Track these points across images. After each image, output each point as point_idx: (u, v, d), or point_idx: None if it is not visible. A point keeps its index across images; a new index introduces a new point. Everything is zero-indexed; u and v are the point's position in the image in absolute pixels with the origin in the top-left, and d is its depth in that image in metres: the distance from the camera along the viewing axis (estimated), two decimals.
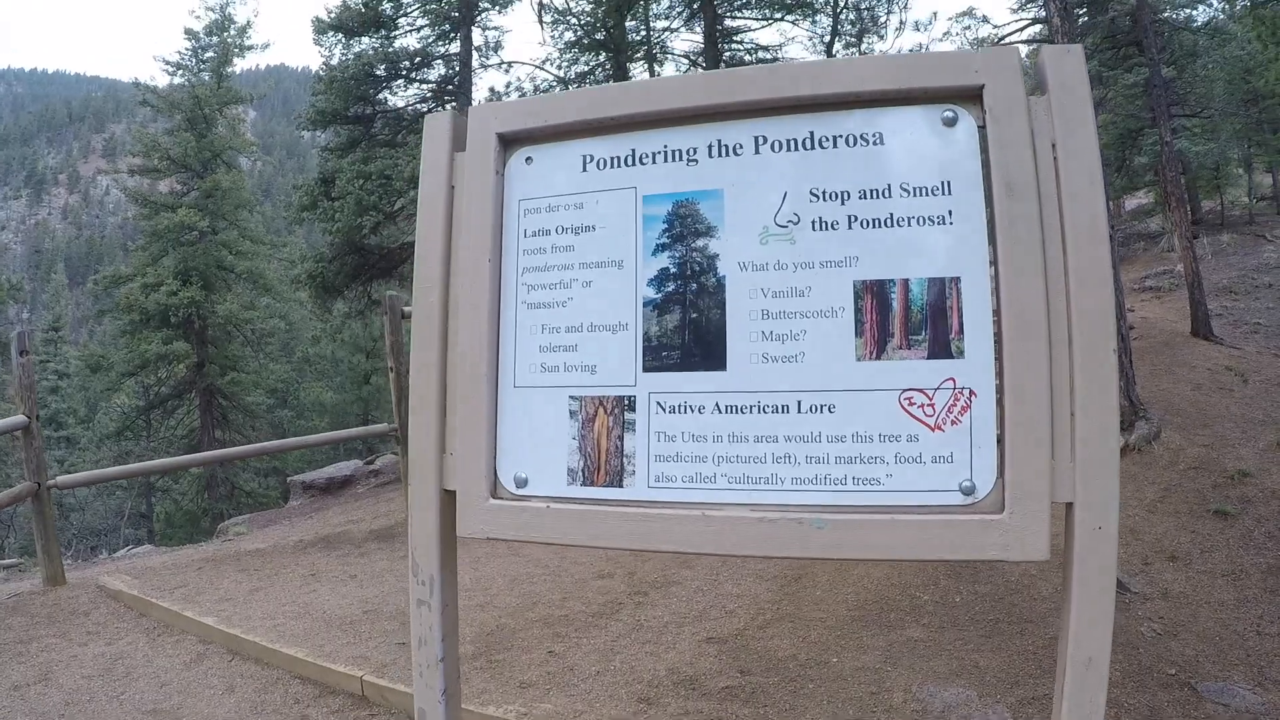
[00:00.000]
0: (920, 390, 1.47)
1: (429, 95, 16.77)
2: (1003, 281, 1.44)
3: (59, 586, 5.87)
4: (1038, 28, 18.45)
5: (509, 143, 1.77)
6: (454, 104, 16.30)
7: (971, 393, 1.45)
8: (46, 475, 6.00)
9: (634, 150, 1.69)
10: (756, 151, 1.61)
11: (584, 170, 1.72)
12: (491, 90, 20.56)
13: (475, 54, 16.60)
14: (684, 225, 1.63)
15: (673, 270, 1.62)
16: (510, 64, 18.38)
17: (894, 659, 4.24)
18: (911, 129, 1.54)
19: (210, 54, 24.30)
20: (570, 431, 1.64)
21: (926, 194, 1.51)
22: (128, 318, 22.01)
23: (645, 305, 1.63)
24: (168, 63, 24.51)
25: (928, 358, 1.48)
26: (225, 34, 24.45)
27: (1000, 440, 1.43)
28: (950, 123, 1.52)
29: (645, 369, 1.61)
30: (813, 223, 1.56)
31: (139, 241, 24.94)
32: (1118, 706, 3.75)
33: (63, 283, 69.20)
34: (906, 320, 1.49)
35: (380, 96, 16.54)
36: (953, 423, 1.45)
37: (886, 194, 1.53)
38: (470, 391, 1.68)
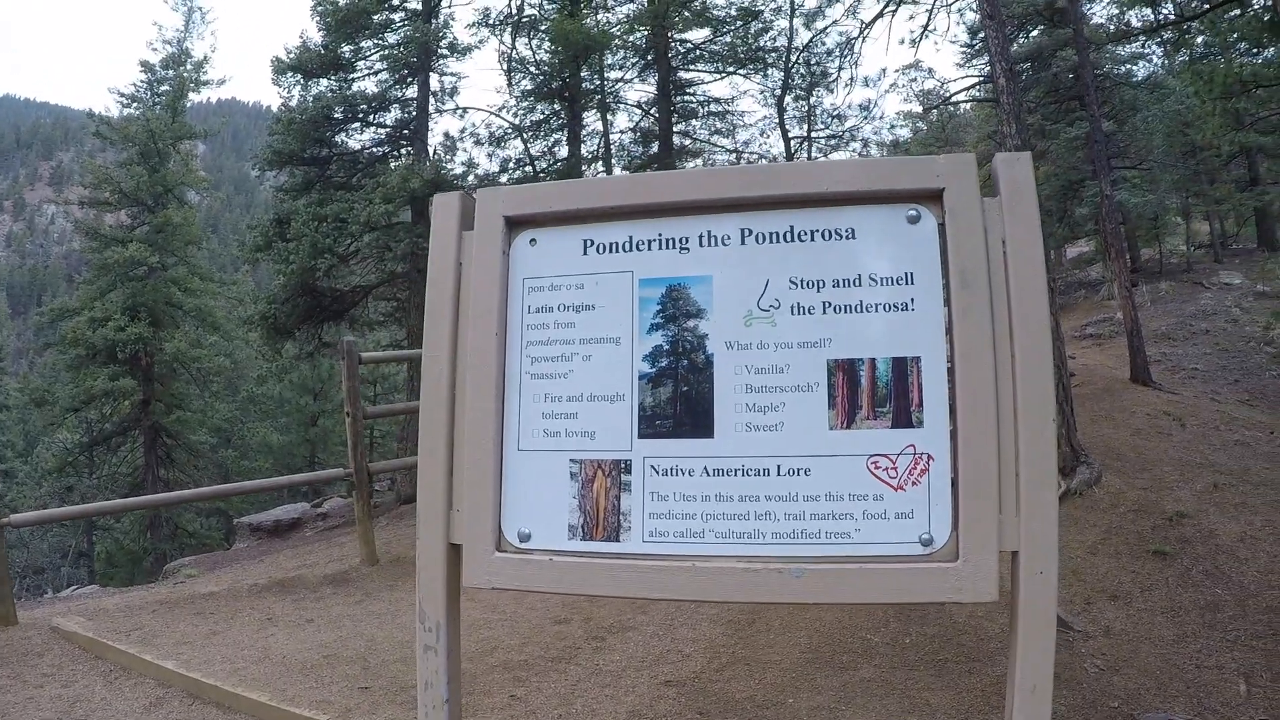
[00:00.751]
0: (885, 455, 1.69)
1: (384, 139, 16.86)
2: (958, 361, 1.66)
3: (10, 627, 5.77)
4: (983, 85, 19.18)
5: (514, 224, 1.95)
6: (409, 148, 16.38)
7: (929, 457, 1.67)
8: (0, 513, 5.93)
9: (631, 237, 1.88)
10: (742, 242, 1.83)
11: (584, 254, 1.91)
12: (446, 135, 20.81)
13: (431, 99, 16.73)
14: (676, 307, 1.83)
15: (666, 348, 1.82)
16: (465, 110, 18.56)
17: (848, 699, 4.37)
18: (880, 225, 1.77)
19: (166, 87, 24.13)
20: (571, 491, 1.81)
21: (892, 283, 1.74)
22: (74, 352, 21.55)
23: (640, 378, 1.82)
24: (122, 94, 24.30)
25: (891, 427, 1.70)
26: (182, 68, 24.33)
27: (954, 498, 1.65)
28: (914, 220, 1.76)
29: (640, 435, 1.80)
30: (791, 307, 1.78)
31: (86, 274, 24.50)
32: None
33: (4, 312, 67.38)
34: (873, 394, 1.71)
35: (337, 139, 16.58)
36: (913, 483, 1.67)
37: (857, 283, 1.76)
38: (477, 454, 1.84)
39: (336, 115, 15.79)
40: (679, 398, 1.79)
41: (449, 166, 16.34)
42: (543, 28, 16.92)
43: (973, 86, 20.98)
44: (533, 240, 1.94)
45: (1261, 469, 7.89)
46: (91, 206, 23.68)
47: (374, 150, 16.84)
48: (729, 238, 1.83)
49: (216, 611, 6.29)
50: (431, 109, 16.75)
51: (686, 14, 17.27)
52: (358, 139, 16.88)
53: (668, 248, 1.86)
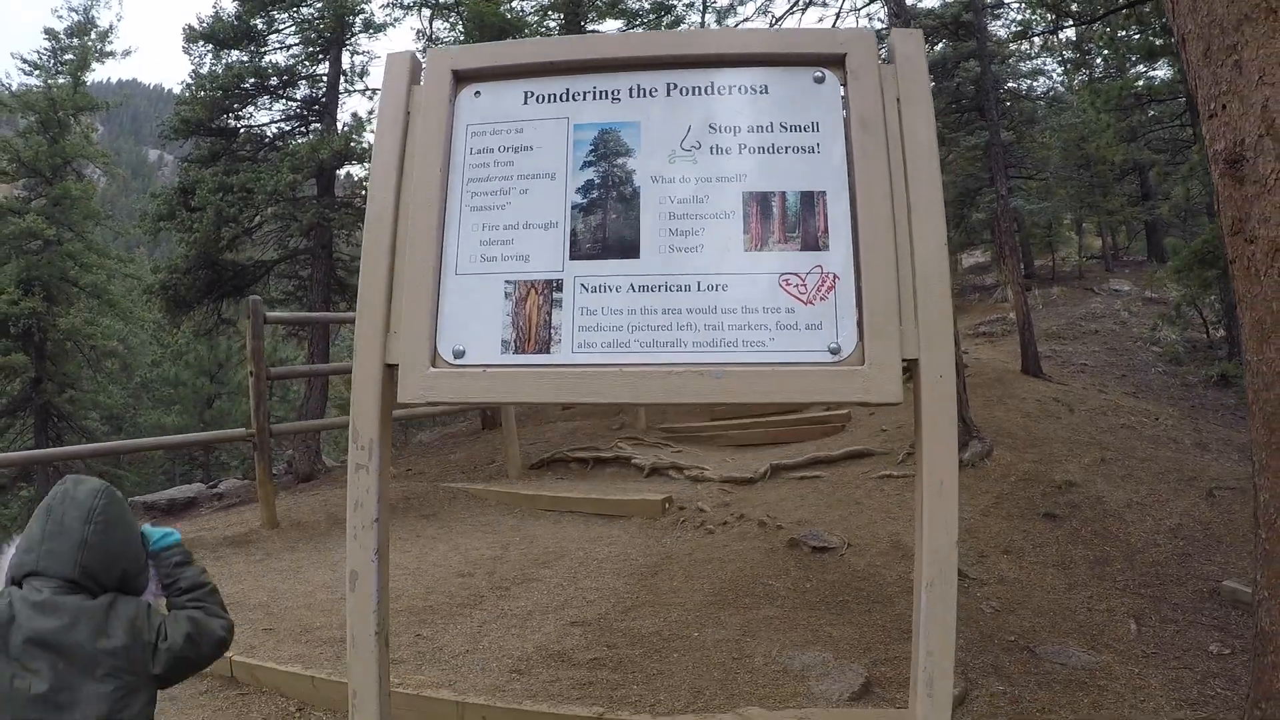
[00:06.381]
0: (795, 274, 1.89)
1: (293, 114, 16.57)
2: (858, 191, 1.89)
3: None
4: None
5: (461, 79, 2.13)
6: (319, 125, 16.14)
7: (835, 276, 1.88)
8: None
9: (568, 89, 2.08)
10: (668, 94, 2.04)
11: (525, 103, 2.09)
12: (354, 115, 20.33)
13: (341, 78, 16.52)
14: (607, 147, 2.02)
15: (597, 181, 2.01)
16: (374, 91, 18.27)
17: (752, 632, 4.55)
18: (790, 83, 2.00)
19: (69, 56, 23.16)
20: (505, 310, 1.96)
21: (800, 130, 1.97)
22: None
23: (573, 208, 2.00)
24: (25, 61, 23.24)
25: (800, 250, 1.90)
26: (87, 37, 23.40)
27: (859, 312, 1.85)
28: (819, 80, 2.00)
29: (571, 257, 1.97)
30: (711, 148, 1.99)
31: None
32: (963, 665, 4.07)
33: None
34: (784, 222, 1.91)
35: (245, 111, 16.25)
36: (821, 299, 1.87)
37: (769, 129, 1.98)
38: (416, 278, 1.97)
39: (247, 85, 15.44)
40: (608, 224, 1.96)
41: (358, 140, 16.16)
42: (459, 9, 16.84)
43: None
44: (477, 93, 2.11)
45: (1147, 448, 8.31)
46: None
47: (282, 125, 16.54)
48: (656, 90, 2.03)
49: None
50: (341, 88, 16.52)
51: (600, 4, 17.47)
52: (266, 113, 16.54)
53: (601, 98, 2.05)
